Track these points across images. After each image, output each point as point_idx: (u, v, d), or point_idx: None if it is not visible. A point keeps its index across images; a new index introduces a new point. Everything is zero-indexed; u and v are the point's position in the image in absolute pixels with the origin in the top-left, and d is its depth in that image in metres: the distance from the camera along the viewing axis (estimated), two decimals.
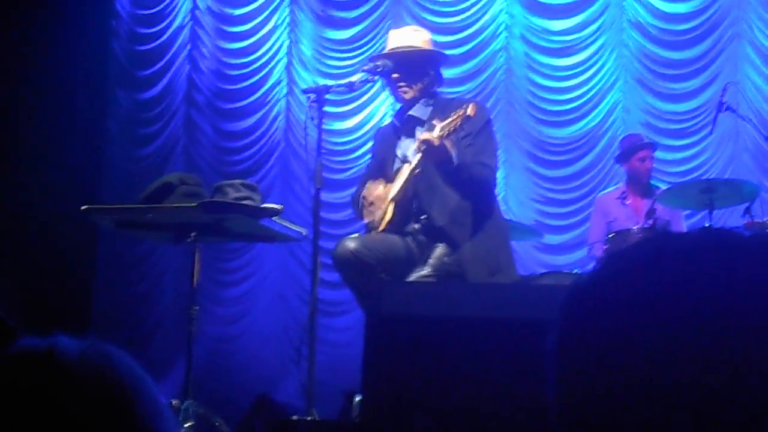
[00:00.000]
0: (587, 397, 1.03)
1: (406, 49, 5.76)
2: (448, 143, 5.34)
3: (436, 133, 5.31)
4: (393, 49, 5.83)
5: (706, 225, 7.20)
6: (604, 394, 1.01)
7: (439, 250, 5.50)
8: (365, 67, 5.82)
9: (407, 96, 5.80)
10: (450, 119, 5.34)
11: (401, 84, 5.76)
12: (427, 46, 5.87)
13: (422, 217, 5.62)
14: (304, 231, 6.28)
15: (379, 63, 5.79)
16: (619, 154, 8.18)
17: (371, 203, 5.75)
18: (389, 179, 5.74)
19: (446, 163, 5.38)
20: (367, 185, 5.85)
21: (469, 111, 5.31)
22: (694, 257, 1.04)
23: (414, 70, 5.74)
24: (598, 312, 1.05)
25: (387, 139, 5.95)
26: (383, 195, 5.70)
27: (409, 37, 5.87)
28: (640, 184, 7.95)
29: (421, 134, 5.42)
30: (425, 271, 5.44)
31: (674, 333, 0.99)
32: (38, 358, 1.22)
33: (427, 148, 5.33)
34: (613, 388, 1.01)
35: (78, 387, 1.20)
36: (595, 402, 1.02)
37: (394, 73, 5.74)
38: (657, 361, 0.99)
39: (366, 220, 5.83)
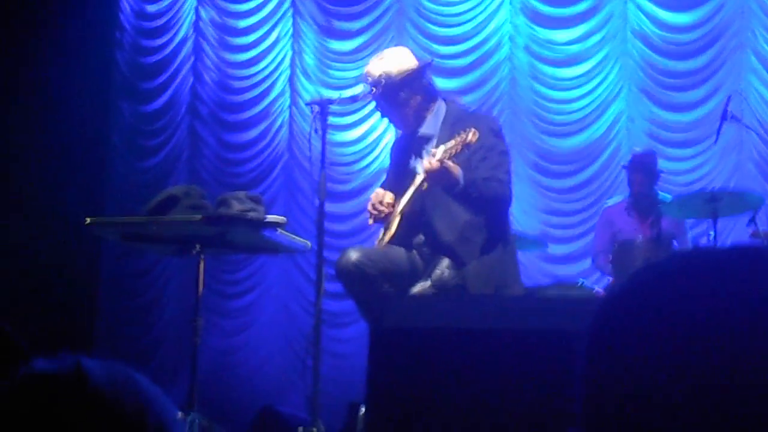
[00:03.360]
0: (618, 403, 1.03)
1: (374, 89, 5.63)
2: (451, 165, 5.25)
3: (438, 156, 5.25)
4: (362, 91, 5.74)
5: (711, 234, 7.19)
6: (636, 400, 1.02)
7: (444, 263, 5.44)
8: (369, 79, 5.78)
9: (402, 129, 5.82)
10: (452, 144, 5.26)
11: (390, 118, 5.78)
12: (396, 70, 5.63)
13: (425, 236, 5.58)
14: (308, 243, 6.27)
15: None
16: (626, 167, 8.13)
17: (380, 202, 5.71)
18: (404, 189, 5.69)
19: (452, 186, 5.33)
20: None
21: (470, 137, 5.19)
22: (730, 271, 1.05)
23: (393, 101, 5.64)
24: (632, 320, 1.06)
25: (402, 149, 5.90)
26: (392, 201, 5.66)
27: (375, 68, 5.66)
28: (634, 201, 7.93)
29: (423, 161, 5.37)
30: (428, 284, 5.40)
31: (706, 344, 1.00)
32: (67, 380, 1.19)
33: (430, 174, 5.28)
34: (643, 394, 1.02)
35: (109, 409, 1.18)
36: (626, 408, 1.03)
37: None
38: (689, 370, 1.00)
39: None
